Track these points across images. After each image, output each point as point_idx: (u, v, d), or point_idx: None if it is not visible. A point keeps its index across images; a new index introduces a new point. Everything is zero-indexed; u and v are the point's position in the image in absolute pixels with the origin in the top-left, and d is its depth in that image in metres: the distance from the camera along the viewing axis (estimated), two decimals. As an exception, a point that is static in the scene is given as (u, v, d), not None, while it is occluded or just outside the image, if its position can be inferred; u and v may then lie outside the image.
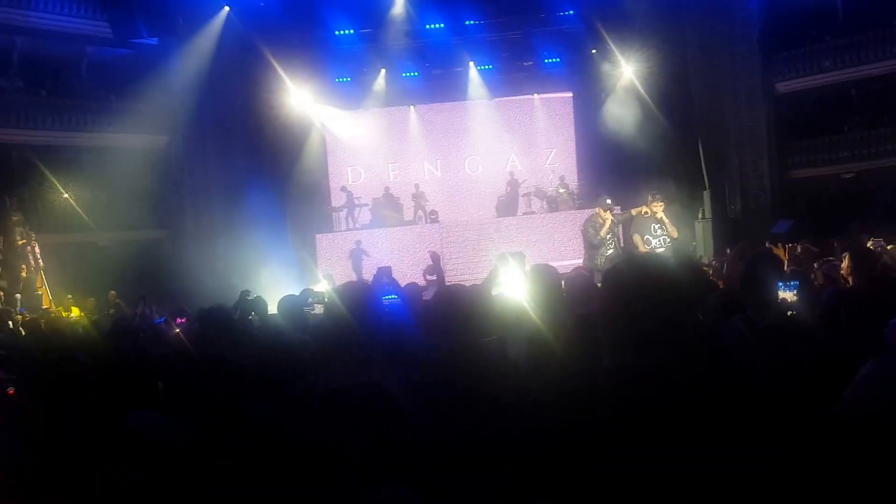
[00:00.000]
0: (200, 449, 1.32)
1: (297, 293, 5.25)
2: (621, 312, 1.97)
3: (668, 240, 8.32)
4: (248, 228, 13.08)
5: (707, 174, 14.15)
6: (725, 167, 14.35)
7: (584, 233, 8.40)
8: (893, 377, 1.34)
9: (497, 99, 15.92)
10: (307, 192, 15.03)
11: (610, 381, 1.68)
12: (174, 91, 13.43)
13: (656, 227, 8.47)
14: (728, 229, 13.48)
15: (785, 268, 5.76)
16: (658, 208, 8.45)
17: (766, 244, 8.54)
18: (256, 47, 13.52)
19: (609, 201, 8.57)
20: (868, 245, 7.97)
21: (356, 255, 13.62)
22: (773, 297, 3.32)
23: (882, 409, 1.34)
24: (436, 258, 6.51)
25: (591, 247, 8.41)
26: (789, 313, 2.98)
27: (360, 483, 1.40)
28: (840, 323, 3.67)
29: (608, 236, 8.22)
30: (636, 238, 8.42)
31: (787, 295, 2.99)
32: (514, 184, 15.69)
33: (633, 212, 8.47)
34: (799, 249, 8.23)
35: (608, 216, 8.26)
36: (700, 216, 13.76)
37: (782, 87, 14.21)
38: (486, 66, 15.66)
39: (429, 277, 11.11)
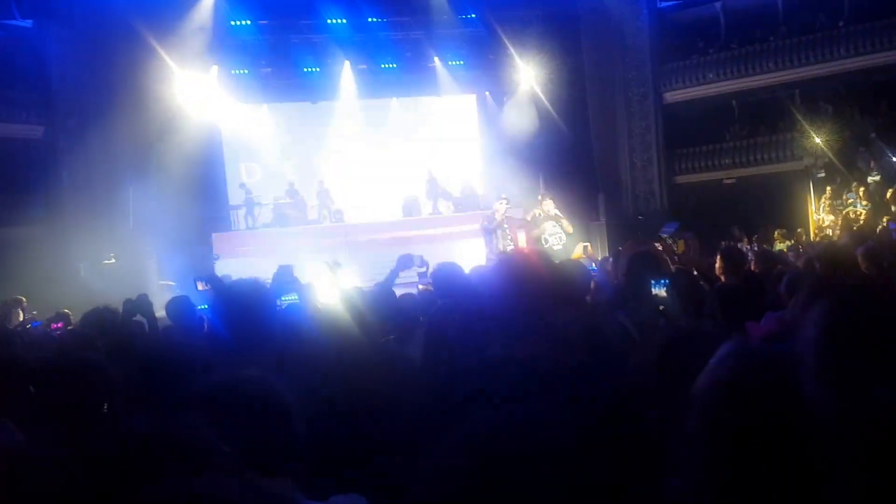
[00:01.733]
0: (55, 458, 1.26)
1: (187, 294, 5.09)
2: (505, 305, 2.05)
3: (564, 236, 8.71)
4: (135, 226, 12.46)
5: (601, 178, 14.82)
6: (619, 171, 15.05)
7: (481, 225, 8.79)
8: (725, 362, 1.46)
9: (402, 98, 15.94)
10: (202, 189, 14.34)
11: (495, 371, 1.75)
12: (51, 78, 12.57)
13: (552, 225, 8.86)
14: (621, 230, 14.14)
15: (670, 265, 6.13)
16: (549, 206, 8.85)
17: (654, 243, 9.05)
18: (142, 35, 12.75)
19: (504, 196, 8.99)
20: (740, 246, 8.65)
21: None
22: (646, 292, 3.55)
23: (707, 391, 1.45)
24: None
25: (487, 232, 8.87)
26: (661, 308, 3.16)
27: (239, 480, 1.38)
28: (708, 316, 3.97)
29: (505, 226, 8.70)
30: (535, 238, 8.74)
31: (659, 291, 3.18)
32: (420, 184, 15.76)
33: (529, 217, 8.82)
34: (679, 247, 8.76)
35: (501, 206, 8.71)
36: (596, 218, 14.39)
37: (670, 96, 15.02)
38: (391, 65, 15.64)
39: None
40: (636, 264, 4.71)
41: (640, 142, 14.94)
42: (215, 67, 14.40)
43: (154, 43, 12.84)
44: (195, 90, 14.10)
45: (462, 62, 15.72)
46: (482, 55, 15.42)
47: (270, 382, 1.55)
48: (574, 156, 14.60)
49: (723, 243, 8.14)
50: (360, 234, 14.24)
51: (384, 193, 15.60)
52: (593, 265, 8.75)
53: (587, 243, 13.12)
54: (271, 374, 1.71)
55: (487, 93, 16.12)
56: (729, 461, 1.35)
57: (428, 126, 16.16)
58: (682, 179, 15.07)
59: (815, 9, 14.38)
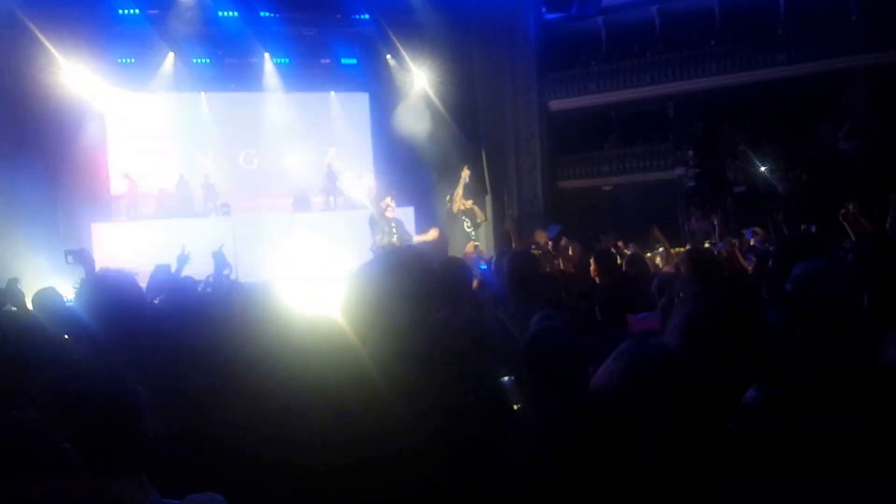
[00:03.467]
0: None
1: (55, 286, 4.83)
2: (373, 303, 2.06)
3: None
4: (11, 215, 11.66)
5: (489, 180, 15.20)
6: (505, 175, 15.49)
7: (369, 217, 9.01)
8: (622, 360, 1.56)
9: (294, 93, 15.66)
10: (82, 179, 13.65)
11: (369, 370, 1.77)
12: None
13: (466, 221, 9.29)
14: (506, 232, 14.57)
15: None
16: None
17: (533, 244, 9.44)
18: (21, 20, 12.05)
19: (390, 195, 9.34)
20: (611, 249, 9.18)
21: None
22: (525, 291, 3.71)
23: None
24: None
25: (373, 224, 9.15)
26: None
27: (88, 480, 1.33)
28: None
29: (392, 224, 8.99)
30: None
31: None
32: (312, 181, 15.53)
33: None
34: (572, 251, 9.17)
35: (392, 202, 9.05)
36: (483, 218, 14.76)
37: (554, 104, 15.59)
38: (283, 60, 15.38)
39: None
40: (515, 263, 4.90)
41: (525, 147, 15.43)
42: (101, 55, 13.77)
43: (34, 28, 12.28)
44: (78, 78, 13.47)
45: (354, 61, 15.69)
46: (375, 55, 15.47)
47: (120, 378, 1.50)
48: (463, 158, 14.86)
49: (595, 247, 8.57)
50: (248, 228, 13.88)
51: (272, 187, 15.33)
52: (482, 264, 9.04)
53: (477, 242, 13.55)
54: (124, 370, 1.65)
55: (378, 93, 16.13)
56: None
57: (321, 121, 16.01)
58: (564, 185, 15.68)
59: (690, 27, 15.36)
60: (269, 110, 15.54)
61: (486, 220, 9.45)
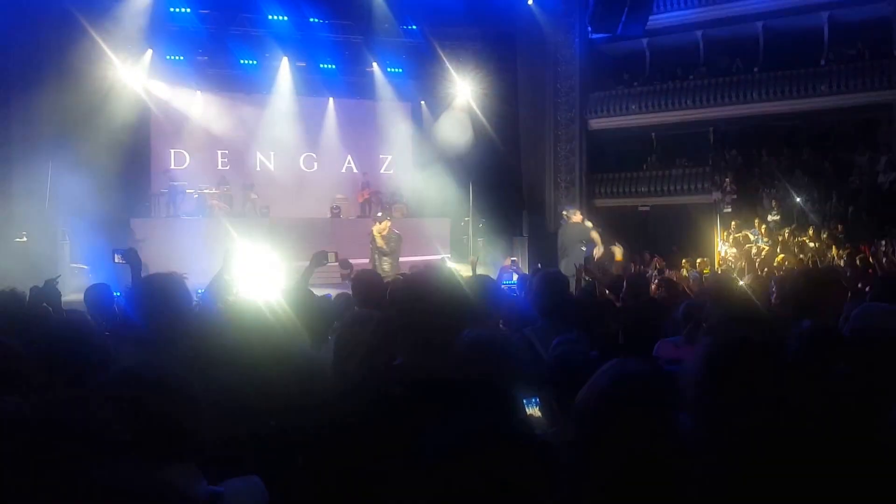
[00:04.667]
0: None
1: (107, 282, 5.03)
2: (406, 318, 2.22)
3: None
4: (51, 206, 12.01)
5: (527, 195, 15.30)
6: (543, 190, 15.56)
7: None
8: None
9: (338, 99, 15.99)
10: (125, 173, 13.93)
11: (398, 377, 1.93)
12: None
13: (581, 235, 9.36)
14: (542, 246, 14.62)
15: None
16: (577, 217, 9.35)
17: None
18: (73, 14, 12.39)
19: (380, 213, 9.39)
20: (647, 269, 9.22)
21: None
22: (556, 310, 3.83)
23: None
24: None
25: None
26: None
27: (140, 466, 1.44)
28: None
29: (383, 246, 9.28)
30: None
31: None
32: (350, 186, 15.84)
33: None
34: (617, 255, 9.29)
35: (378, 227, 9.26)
36: (519, 233, 14.86)
37: (595, 123, 15.68)
38: (329, 66, 15.71)
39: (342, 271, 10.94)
40: (545, 284, 5.00)
41: (564, 164, 15.50)
42: (150, 52, 14.14)
43: (85, 23, 12.47)
44: (127, 73, 13.78)
45: (400, 70, 15.94)
46: (420, 65, 15.68)
47: (173, 371, 1.66)
48: (502, 172, 15.03)
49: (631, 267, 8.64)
50: (286, 230, 14.11)
51: (313, 192, 15.59)
52: (514, 277, 9.12)
53: (515, 257, 13.64)
54: (178, 364, 1.82)
55: (423, 102, 16.38)
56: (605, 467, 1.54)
57: (362, 130, 16.27)
58: (600, 203, 15.71)
59: (734, 54, 15.33)
60: (312, 114, 15.82)
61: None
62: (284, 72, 15.37)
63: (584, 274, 6.80)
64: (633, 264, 10.39)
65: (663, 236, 14.70)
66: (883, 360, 2.49)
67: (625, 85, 15.77)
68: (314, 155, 16.09)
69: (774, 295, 4.61)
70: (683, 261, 13.48)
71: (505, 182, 15.13)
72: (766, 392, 1.83)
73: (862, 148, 14.04)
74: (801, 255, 11.11)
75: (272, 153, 15.95)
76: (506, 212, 15.00)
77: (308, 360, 2.34)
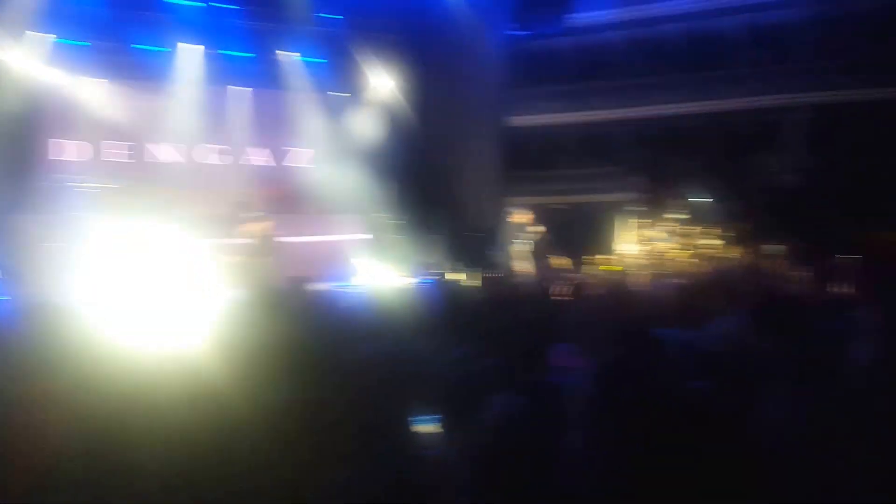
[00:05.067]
0: None
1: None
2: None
3: None
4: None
5: (444, 192, 15.27)
6: (461, 187, 15.59)
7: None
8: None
9: (252, 89, 15.42)
10: (12, 167, 12.96)
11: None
12: None
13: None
14: (460, 242, 14.66)
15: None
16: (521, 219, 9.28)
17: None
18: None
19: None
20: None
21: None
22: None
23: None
24: None
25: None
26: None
27: None
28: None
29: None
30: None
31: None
32: (265, 181, 15.33)
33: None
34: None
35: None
36: (437, 230, 14.81)
37: (511, 121, 15.80)
38: (242, 54, 15.13)
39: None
40: (444, 295, 4.97)
41: (482, 160, 15.58)
42: (47, 37, 13.18)
43: None
44: (21, 59, 12.84)
45: (316, 60, 15.56)
46: (337, 56, 15.35)
47: None
48: (420, 168, 14.94)
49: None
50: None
51: (223, 186, 14.93)
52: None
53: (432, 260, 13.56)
54: None
55: (340, 94, 16.02)
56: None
57: (277, 121, 15.75)
58: (518, 201, 15.88)
59: (648, 56, 15.78)
60: (225, 104, 15.19)
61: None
62: (194, 59, 14.64)
63: (495, 281, 6.85)
64: (547, 265, 10.55)
65: (579, 235, 14.99)
66: (736, 375, 2.64)
67: (544, 83, 15.97)
68: (224, 147, 15.44)
69: (663, 299, 4.78)
70: (597, 258, 13.84)
71: (423, 179, 15.06)
72: (646, 412, 1.93)
73: (767, 149, 14.77)
74: (704, 257, 11.61)
75: (180, 145, 15.17)
76: (424, 209, 14.95)
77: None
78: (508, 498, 1.69)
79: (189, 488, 1.62)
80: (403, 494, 1.67)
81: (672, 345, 3.50)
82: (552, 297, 6.24)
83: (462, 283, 9.40)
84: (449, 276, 10.50)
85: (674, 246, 13.48)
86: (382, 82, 14.90)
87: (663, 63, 15.56)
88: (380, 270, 9.86)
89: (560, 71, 16.14)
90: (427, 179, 15.16)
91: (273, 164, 15.44)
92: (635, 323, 3.74)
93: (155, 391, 1.96)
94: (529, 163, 16.26)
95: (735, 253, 12.10)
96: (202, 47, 14.55)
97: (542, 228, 9.46)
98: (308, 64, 15.46)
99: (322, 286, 7.92)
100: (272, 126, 15.65)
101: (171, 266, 9.23)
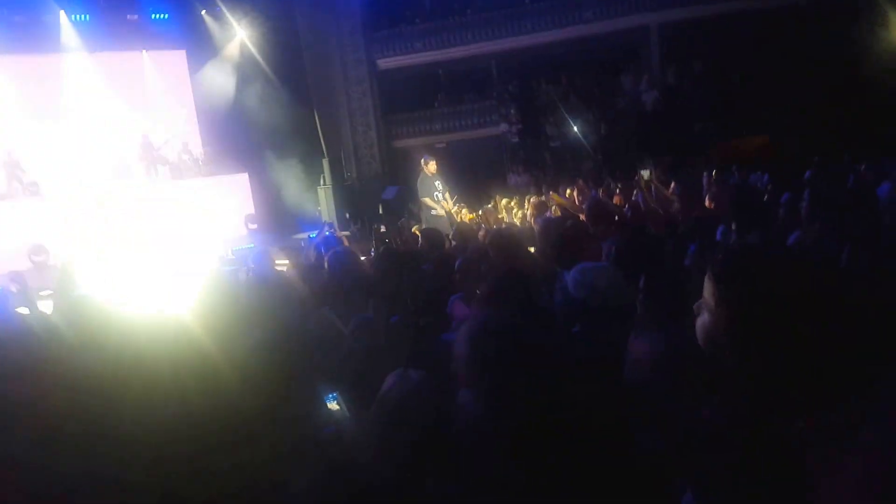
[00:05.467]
0: None
1: None
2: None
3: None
4: None
5: (325, 143, 15.03)
6: (341, 136, 15.37)
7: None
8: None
9: (99, 53, 14.29)
10: None
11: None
12: None
13: (438, 184, 9.26)
14: (346, 194, 14.58)
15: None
16: (431, 167, 9.22)
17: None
18: None
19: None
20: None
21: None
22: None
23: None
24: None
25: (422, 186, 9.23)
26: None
27: None
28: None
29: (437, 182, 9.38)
30: (427, 200, 8.91)
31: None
32: (133, 148, 14.44)
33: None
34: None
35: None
36: (321, 182, 14.61)
37: (383, 63, 15.58)
38: (82, 17, 13.97)
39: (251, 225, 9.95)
40: (337, 263, 5.02)
41: (358, 107, 15.38)
42: None
43: None
44: None
45: (166, 16, 14.62)
46: (188, 10, 14.48)
47: None
48: (295, 120, 14.55)
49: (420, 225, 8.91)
50: (62, 208, 12.67)
51: (88, 160, 14.00)
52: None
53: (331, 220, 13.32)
54: None
55: (198, 51, 15.15)
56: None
57: (135, 83, 14.77)
58: (399, 143, 15.89)
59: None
60: (73, 73, 14.10)
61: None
62: (39, 27, 13.41)
63: (385, 238, 6.93)
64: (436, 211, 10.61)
65: (463, 172, 15.23)
66: (601, 321, 2.84)
67: (406, 22, 15.73)
68: (84, 119, 14.37)
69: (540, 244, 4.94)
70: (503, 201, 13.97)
71: (300, 131, 14.71)
72: (525, 365, 1.94)
73: (626, 71, 15.38)
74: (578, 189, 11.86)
75: (33, 121, 13.97)
76: (306, 162, 14.69)
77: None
78: (406, 476, 1.75)
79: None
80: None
81: (551, 291, 3.74)
82: (444, 247, 6.38)
83: (351, 239, 9.46)
84: (338, 232, 10.50)
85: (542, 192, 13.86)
86: (241, 36, 14.23)
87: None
88: (265, 236, 9.69)
89: (421, 9, 15.92)
90: (307, 132, 14.84)
91: (142, 130, 14.50)
92: (514, 272, 3.68)
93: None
94: (404, 105, 16.18)
95: (605, 183, 12.57)
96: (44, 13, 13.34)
97: (428, 171, 9.55)
98: (156, 22, 14.54)
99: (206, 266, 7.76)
100: (131, 90, 14.69)
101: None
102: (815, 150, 10.23)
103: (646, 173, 9.21)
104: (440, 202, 9.52)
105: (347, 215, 13.99)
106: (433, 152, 11.10)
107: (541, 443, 1.74)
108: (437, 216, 9.42)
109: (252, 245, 9.08)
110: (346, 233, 11.16)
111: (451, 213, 9.33)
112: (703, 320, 1.31)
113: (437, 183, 9.65)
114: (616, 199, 7.67)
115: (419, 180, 9.69)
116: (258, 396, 1.78)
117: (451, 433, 1.91)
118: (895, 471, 1.08)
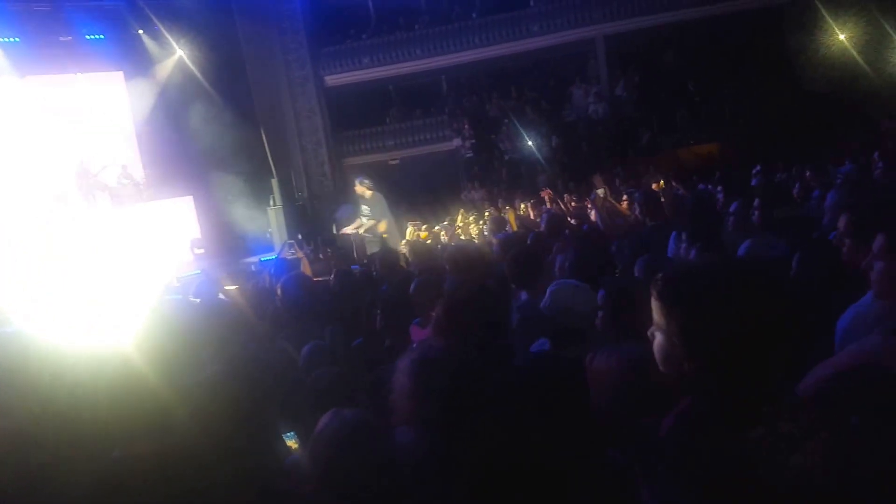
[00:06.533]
0: None
1: None
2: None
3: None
4: None
5: (273, 162, 14.62)
6: (290, 155, 15.00)
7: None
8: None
9: (30, 76, 13.64)
10: None
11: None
12: None
13: (365, 207, 9.03)
14: (298, 214, 14.18)
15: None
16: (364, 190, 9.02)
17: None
18: None
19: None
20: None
21: None
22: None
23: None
24: None
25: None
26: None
27: None
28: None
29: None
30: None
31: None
32: (71, 175, 13.76)
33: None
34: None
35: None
36: (271, 203, 14.18)
37: (330, 80, 15.31)
38: (12, 39, 13.33)
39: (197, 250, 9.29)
40: (291, 288, 4.72)
41: (307, 125, 15.05)
42: None
43: None
44: None
45: (102, 36, 14.06)
46: (124, 30, 13.98)
47: None
48: (241, 140, 14.11)
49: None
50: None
51: (24, 189, 13.28)
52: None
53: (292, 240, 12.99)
54: None
55: (134, 73, 14.59)
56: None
57: (70, 107, 14.13)
58: (350, 161, 15.59)
59: (452, 1, 15.79)
60: (2, 98, 13.43)
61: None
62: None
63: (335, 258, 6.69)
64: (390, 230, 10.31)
65: (417, 188, 15.01)
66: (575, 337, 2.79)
67: (353, 38, 15.53)
68: (14, 146, 13.65)
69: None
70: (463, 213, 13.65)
71: (246, 151, 14.27)
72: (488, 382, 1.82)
73: (576, 83, 15.47)
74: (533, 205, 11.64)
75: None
76: (253, 182, 14.25)
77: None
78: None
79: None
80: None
81: (514, 310, 3.58)
82: (401, 268, 6.14)
83: (306, 264, 9.13)
84: (291, 254, 10.13)
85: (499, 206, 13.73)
86: (182, 56, 13.77)
87: (464, 8, 15.61)
88: (217, 262, 9.28)
89: (367, 24, 15.73)
90: (254, 152, 14.41)
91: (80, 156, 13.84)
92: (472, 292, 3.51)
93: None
94: (355, 122, 15.91)
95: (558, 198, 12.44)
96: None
97: (378, 191, 9.35)
98: (91, 42, 13.97)
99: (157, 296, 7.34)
100: (66, 114, 14.05)
101: None
102: (762, 158, 10.39)
103: (601, 192, 9.16)
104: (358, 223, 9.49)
105: (300, 236, 13.59)
106: (386, 169, 10.91)
107: (495, 485, 1.57)
108: (363, 237, 9.35)
109: (198, 271, 8.67)
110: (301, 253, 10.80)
111: (361, 233, 9.31)
112: (658, 342, 1.35)
113: (363, 207, 9.60)
114: (622, 206, 7.66)
115: (341, 197, 9.72)
116: (211, 435, 1.68)
117: (395, 474, 1.78)
118: (844, 478, 1.17)
